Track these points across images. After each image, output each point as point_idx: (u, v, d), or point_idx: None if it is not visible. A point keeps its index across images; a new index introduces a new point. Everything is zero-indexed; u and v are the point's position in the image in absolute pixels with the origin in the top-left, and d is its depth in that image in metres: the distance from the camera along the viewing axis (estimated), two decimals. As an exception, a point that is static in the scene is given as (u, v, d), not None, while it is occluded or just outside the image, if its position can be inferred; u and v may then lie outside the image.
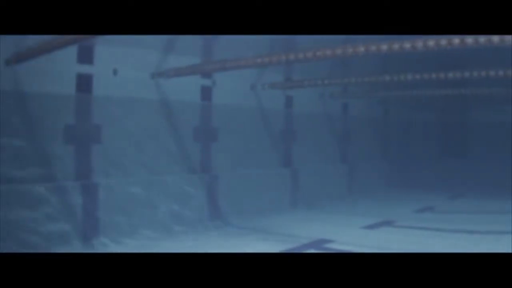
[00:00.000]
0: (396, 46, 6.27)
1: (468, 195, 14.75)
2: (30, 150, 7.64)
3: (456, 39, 5.83)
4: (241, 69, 8.53)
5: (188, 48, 9.69)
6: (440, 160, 17.36)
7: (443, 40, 5.90)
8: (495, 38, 5.59)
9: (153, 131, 9.35)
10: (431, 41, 5.99)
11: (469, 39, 5.77)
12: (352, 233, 9.28)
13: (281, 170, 12.34)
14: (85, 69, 8.37)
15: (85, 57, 8.38)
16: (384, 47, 6.37)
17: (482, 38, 5.68)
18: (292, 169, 12.56)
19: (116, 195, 8.57)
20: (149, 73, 9.25)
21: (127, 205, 8.68)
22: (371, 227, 9.91)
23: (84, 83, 8.38)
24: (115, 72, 8.73)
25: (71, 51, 7.94)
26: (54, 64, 7.81)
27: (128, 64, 8.90)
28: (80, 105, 8.33)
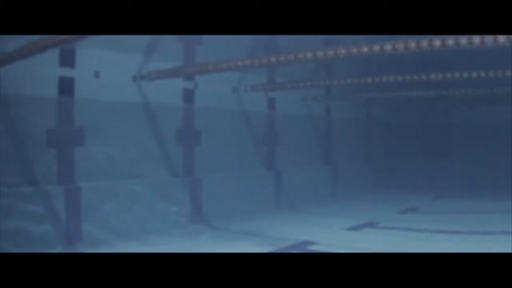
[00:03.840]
0: (377, 48, 6.29)
1: (451, 195, 14.81)
2: (12, 154, 7.60)
3: (437, 41, 5.85)
4: (223, 71, 8.52)
5: (170, 50, 9.68)
6: (423, 160, 17.44)
7: (424, 42, 5.92)
8: (476, 39, 5.62)
9: (135, 134, 9.32)
10: (412, 43, 6.01)
11: (450, 41, 5.79)
12: (336, 235, 9.28)
13: (265, 172, 12.34)
14: (67, 72, 8.33)
15: (67, 60, 8.33)
16: (365, 49, 6.39)
17: (463, 40, 5.70)
18: (276, 171, 12.56)
19: (99, 199, 8.54)
20: (131, 76, 9.22)
21: (110, 209, 8.65)
22: (354, 228, 9.92)
23: (66, 86, 8.34)
24: (97, 75, 8.70)
25: (53, 54, 7.89)
26: (36, 67, 7.77)
27: (110, 67, 8.87)
28: (62, 108, 8.29)
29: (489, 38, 5.55)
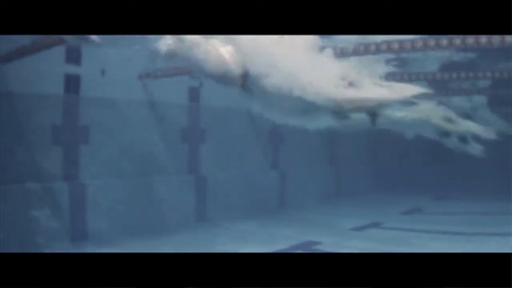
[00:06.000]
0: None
1: (454, 196, 14.77)
2: (17, 150, 7.61)
3: (444, 40, 5.86)
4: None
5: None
6: (427, 161, 17.38)
7: (431, 41, 5.93)
8: (483, 39, 5.63)
9: (140, 132, 9.32)
10: (419, 42, 6.01)
11: (457, 40, 5.80)
12: (340, 235, 9.28)
13: (269, 172, 12.32)
14: (72, 69, 8.34)
15: (73, 57, 8.34)
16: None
17: (470, 39, 5.71)
18: (280, 171, 12.53)
19: (103, 196, 8.55)
20: (137, 74, 9.20)
21: (114, 206, 8.65)
22: (358, 228, 9.91)
23: (71, 84, 8.34)
24: (102, 73, 8.69)
25: (59, 52, 7.89)
26: (42, 65, 7.77)
27: (116, 65, 8.86)
28: (68, 105, 8.29)
29: (496, 38, 5.56)
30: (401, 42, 6.17)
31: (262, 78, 5.60)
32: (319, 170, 14.02)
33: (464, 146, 8.04)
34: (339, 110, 5.61)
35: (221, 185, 10.69)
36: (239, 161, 11.41)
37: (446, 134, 7.93)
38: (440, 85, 9.78)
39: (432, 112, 7.73)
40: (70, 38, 5.83)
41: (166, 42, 6.04)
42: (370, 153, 16.54)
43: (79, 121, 8.45)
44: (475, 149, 8.09)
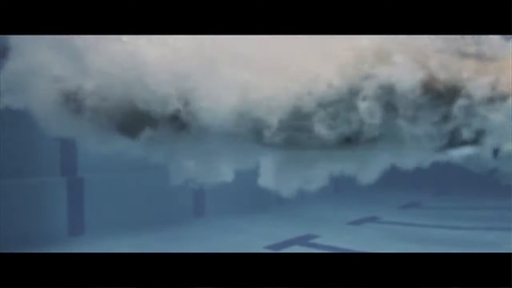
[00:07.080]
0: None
1: (453, 190, 14.75)
2: (13, 145, 7.59)
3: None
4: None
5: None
6: (426, 155, 17.36)
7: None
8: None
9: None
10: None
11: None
12: (337, 229, 9.29)
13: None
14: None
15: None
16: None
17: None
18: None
19: (101, 191, 8.53)
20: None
21: (112, 201, 8.64)
22: (356, 223, 9.92)
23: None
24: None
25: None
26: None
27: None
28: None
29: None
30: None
31: None
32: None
33: None
34: None
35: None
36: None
37: None
38: None
39: None
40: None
41: None
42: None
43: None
44: None
